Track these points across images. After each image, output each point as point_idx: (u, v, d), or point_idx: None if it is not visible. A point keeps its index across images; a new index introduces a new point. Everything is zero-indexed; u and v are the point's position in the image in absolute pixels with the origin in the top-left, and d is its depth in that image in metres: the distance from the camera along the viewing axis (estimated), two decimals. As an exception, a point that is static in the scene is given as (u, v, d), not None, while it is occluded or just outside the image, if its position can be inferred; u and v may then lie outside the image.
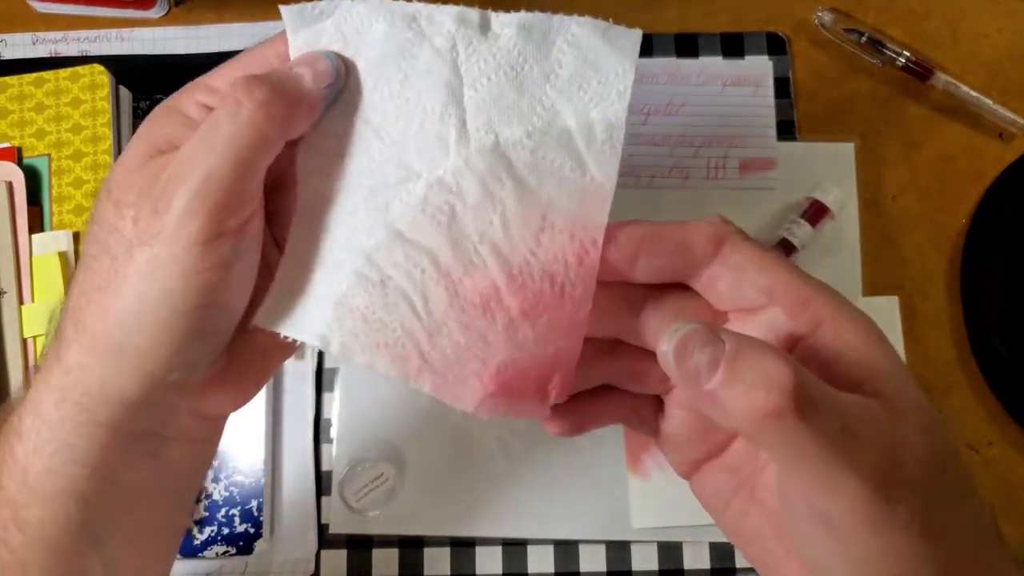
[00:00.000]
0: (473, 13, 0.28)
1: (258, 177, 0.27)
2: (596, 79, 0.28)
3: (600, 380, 0.29)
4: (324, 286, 0.28)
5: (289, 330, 0.28)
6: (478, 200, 0.27)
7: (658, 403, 0.30)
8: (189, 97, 0.28)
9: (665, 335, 0.24)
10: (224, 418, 0.32)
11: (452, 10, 0.28)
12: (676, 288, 0.28)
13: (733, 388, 0.22)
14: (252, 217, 0.27)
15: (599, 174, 0.28)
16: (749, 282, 0.26)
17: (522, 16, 0.27)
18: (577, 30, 0.28)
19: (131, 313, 0.26)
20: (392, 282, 0.27)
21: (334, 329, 0.27)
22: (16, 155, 0.48)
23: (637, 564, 0.49)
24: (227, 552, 0.48)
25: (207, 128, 0.26)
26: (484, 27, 0.28)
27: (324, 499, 0.49)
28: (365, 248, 0.28)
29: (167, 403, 0.28)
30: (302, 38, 0.29)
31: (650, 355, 0.27)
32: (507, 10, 0.28)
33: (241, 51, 0.31)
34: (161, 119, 0.28)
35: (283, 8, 0.29)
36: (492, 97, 0.27)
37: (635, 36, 0.29)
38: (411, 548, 0.49)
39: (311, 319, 0.28)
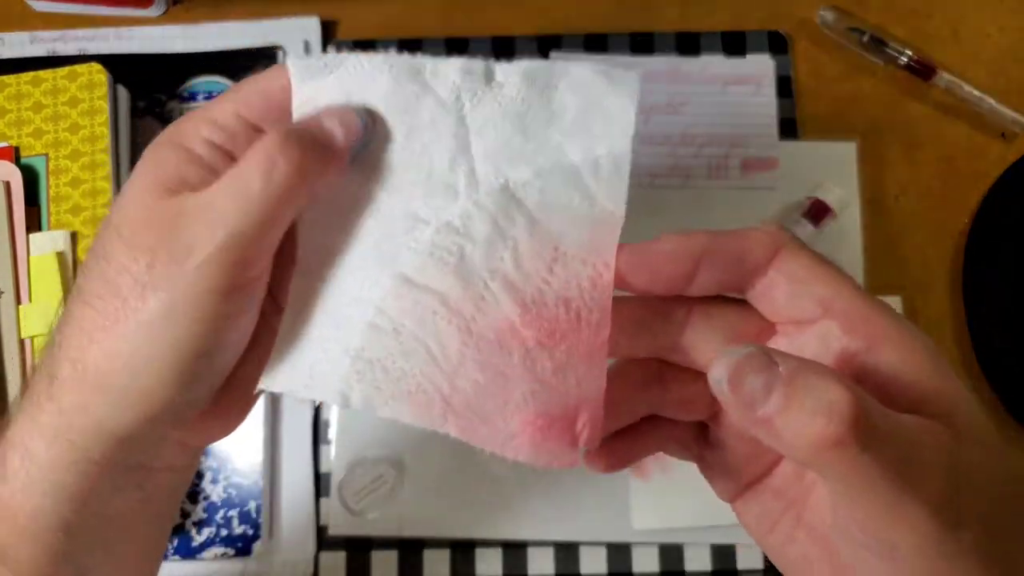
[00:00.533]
0: (478, 64, 0.28)
1: (282, 231, 0.27)
2: (600, 120, 0.28)
3: (646, 412, 0.27)
4: (335, 342, 0.27)
5: (302, 391, 0.28)
6: (488, 238, 0.27)
7: (702, 427, 0.28)
8: (194, 131, 0.28)
9: (717, 361, 0.22)
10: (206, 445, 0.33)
11: (456, 62, 0.28)
12: (722, 299, 0.27)
13: (790, 414, 0.21)
14: (267, 266, 0.27)
15: (608, 203, 0.28)
16: (807, 292, 0.25)
17: (526, 64, 0.28)
18: (578, 75, 0.28)
19: (140, 357, 0.26)
20: (406, 329, 0.27)
21: (353, 384, 0.27)
22: (14, 154, 0.48)
23: (638, 566, 0.48)
24: (225, 554, 0.48)
25: (239, 184, 0.26)
26: (488, 77, 0.28)
27: (323, 500, 0.49)
28: (374, 299, 0.27)
29: (159, 437, 0.28)
30: (307, 90, 0.28)
31: (699, 377, 0.26)
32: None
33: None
34: (166, 154, 0.28)
35: (289, 61, 0.28)
36: (499, 144, 0.28)
37: (633, 78, 0.28)
38: (411, 550, 0.48)
39: (325, 376, 0.27)
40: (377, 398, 0.27)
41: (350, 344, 0.27)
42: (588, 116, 0.28)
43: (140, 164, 0.28)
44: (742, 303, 0.26)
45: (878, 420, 0.21)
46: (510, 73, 0.28)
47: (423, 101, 0.28)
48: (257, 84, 0.29)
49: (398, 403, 0.26)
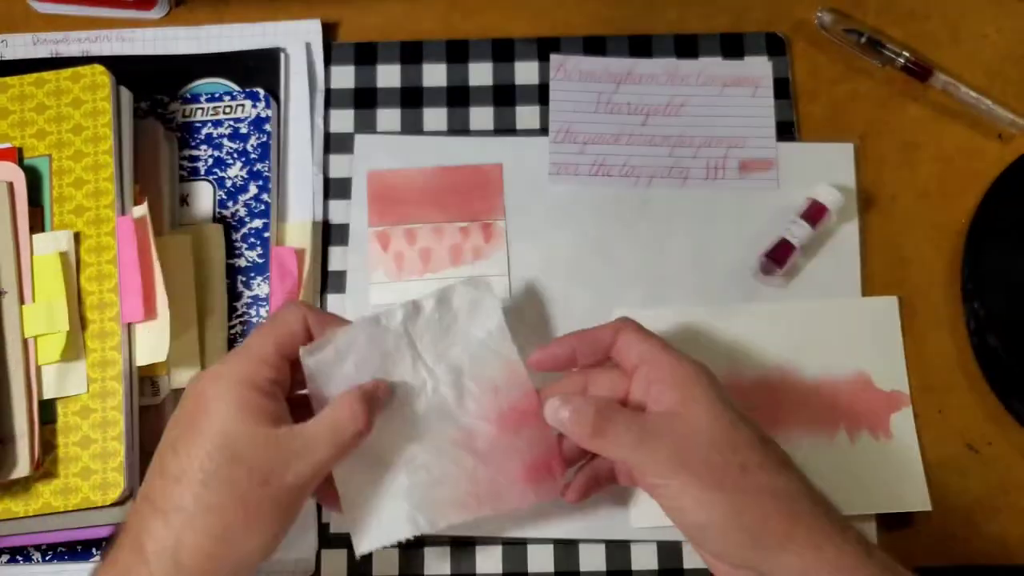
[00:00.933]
0: (408, 303, 0.44)
1: None
2: (481, 309, 0.46)
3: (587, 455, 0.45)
4: (389, 498, 0.42)
5: (387, 540, 0.42)
6: (455, 394, 0.44)
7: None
8: (258, 373, 0.39)
9: (546, 405, 0.42)
10: None
11: (398, 307, 0.44)
12: (605, 365, 0.44)
13: (575, 427, 0.40)
14: None
15: (508, 353, 0.45)
16: (632, 353, 0.42)
17: (435, 290, 0.45)
18: (461, 289, 0.45)
19: (258, 548, 0.38)
20: (432, 464, 0.43)
21: (417, 516, 0.42)
22: (17, 155, 0.48)
23: (637, 563, 0.49)
24: (227, 552, 0.48)
25: (335, 428, 0.39)
26: (417, 307, 0.45)
27: (324, 499, 0.49)
28: (402, 457, 0.43)
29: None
30: (313, 360, 0.42)
31: None
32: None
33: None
34: (248, 394, 0.38)
35: (302, 351, 0.42)
36: (433, 341, 0.45)
37: (488, 287, 0.46)
38: (411, 548, 0.49)
39: (395, 522, 0.42)
40: (437, 517, 0.42)
41: (399, 492, 0.42)
42: (474, 309, 0.45)
43: (223, 401, 0.38)
44: (613, 366, 0.44)
45: (615, 417, 0.40)
46: (427, 298, 0.45)
47: (386, 336, 0.44)
48: (288, 326, 0.41)
49: (450, 513, 0.42)
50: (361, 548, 0.42)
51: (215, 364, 0.40)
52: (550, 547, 0.49)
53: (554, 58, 0.56)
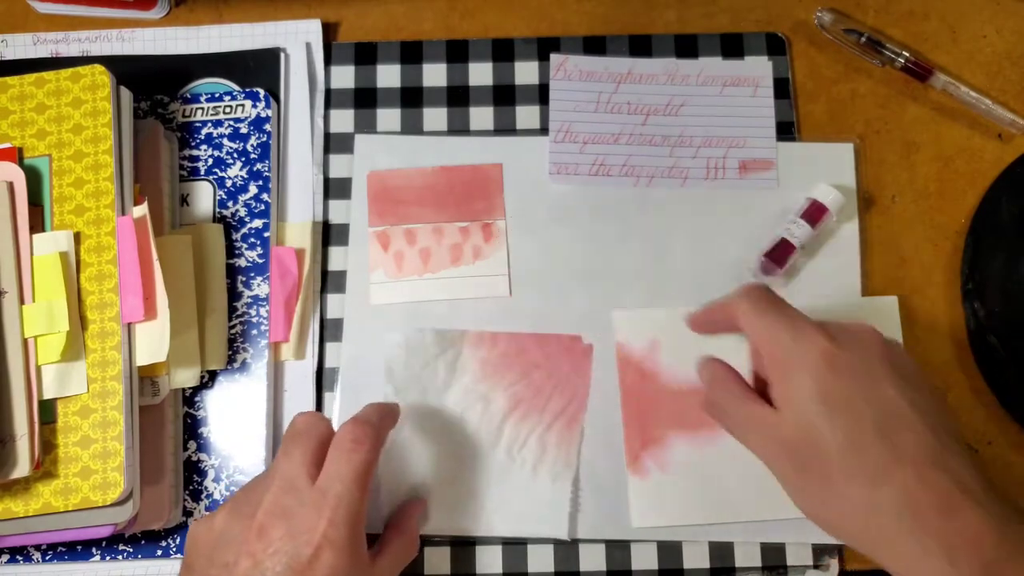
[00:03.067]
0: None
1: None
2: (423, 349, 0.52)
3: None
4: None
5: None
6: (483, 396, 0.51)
7: None
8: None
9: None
10: None
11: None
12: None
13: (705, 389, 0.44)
14: None
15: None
16: (750, 334, 0.41)
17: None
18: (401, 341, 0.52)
19: None
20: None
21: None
22: (17, 155, 0.48)
23: (637, 563, 0.49)
24: (227, 552, 0.48)
25: (357, 471, 0.40)
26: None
27: (324, 499, 0.49)
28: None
29: None
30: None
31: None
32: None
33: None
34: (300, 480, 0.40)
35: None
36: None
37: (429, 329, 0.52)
38: (411, 548, 0.49)
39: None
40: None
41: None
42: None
43: (291, 472, 0.41)
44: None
45: (722, 402, 0.42)
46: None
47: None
48: (322, 440, 0.42)
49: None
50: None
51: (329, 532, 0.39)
52: (550, 547, 0.49)
53: (554, 58, 0.56)
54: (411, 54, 0.57)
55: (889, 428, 0.36)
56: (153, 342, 0.46)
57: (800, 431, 0.37)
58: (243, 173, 0.53)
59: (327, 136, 0.56)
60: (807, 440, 0.37)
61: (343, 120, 0.56)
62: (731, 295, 0.42)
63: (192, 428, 0.50)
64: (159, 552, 0.49)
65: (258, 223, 0.53)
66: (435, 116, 0.56)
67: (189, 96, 0.55)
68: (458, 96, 0.56)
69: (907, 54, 0.55)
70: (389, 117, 0.56)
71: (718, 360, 0.44)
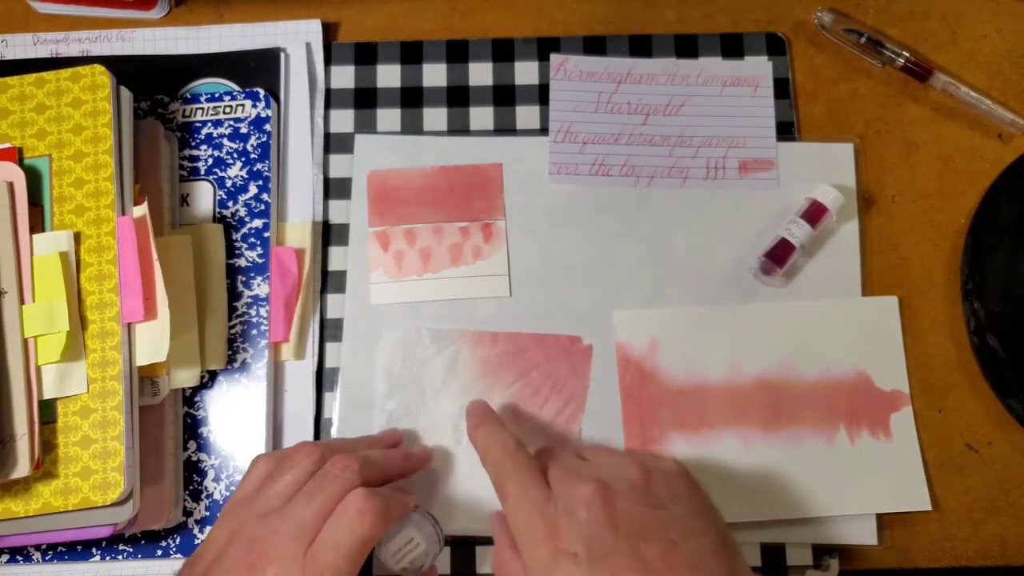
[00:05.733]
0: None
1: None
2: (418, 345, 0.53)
3: None
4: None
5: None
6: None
7: None
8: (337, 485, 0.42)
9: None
10: None
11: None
12: None
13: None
14: None
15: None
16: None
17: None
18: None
19: None
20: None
21: None
22: (17, 155, 0.48)
23: (637, 564, 0.49)
24: (227, 552, 0.48)
25: (353, 545, 0.39)
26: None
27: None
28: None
29: None
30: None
31: None
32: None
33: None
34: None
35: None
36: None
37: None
38: (411, 548, 0.49)
39: None
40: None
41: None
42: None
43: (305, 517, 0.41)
44: None
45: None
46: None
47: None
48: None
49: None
50: None
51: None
52: (550, 547, 0.49)
53: (554, 58, 0.56)
54: (411, 54, 0.57)
55: None
56: (153, 342, 0.46)
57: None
58: (243, 173, 0.53)
59: (327, 136, 0.56)
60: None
61: (343, 120, 0.56)
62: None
63: (192, 428, 0.50)
64: (159, 552, 0.49)
65: (258, 223, 0.53)
66: (435, 116, 0.56)
67: (189, 96, 0.55)
68: (458, 96, 0.56)
69: (907, 54, 0.55)
70: (389, 117, 0.56)
71: (498, 513, 0.43)
